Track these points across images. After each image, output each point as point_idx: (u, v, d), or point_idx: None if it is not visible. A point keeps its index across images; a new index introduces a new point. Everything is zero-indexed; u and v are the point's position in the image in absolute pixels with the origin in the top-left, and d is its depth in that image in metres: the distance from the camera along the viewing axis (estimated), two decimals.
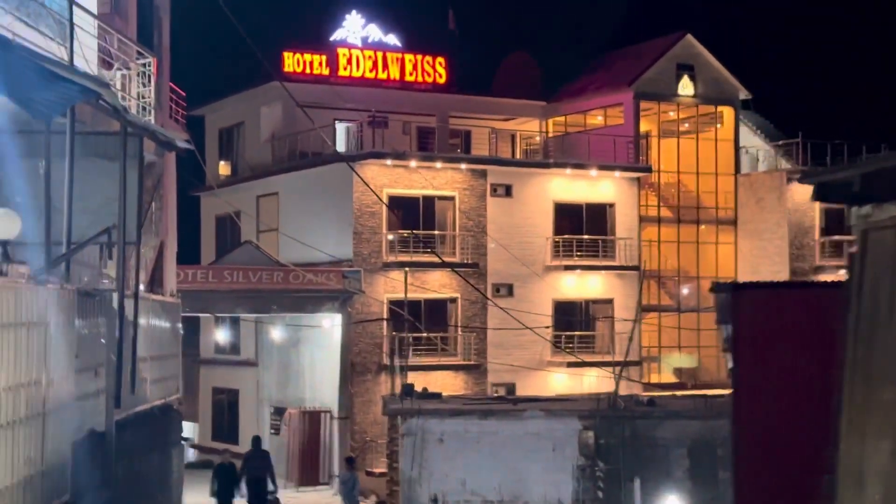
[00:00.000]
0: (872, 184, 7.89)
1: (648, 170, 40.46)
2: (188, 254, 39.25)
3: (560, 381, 36.69)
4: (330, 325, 34.60)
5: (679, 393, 33.04)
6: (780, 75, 52.47)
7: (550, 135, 44.64)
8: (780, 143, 43.81)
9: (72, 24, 12.57)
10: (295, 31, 42.32)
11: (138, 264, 12.64)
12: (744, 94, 42.65)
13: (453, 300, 36.60)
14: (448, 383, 34.76)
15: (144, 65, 16.16)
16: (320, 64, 40.79)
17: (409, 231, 35.70)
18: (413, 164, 36.36)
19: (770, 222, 41.26)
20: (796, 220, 41.03)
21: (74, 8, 13.44)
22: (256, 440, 25.81)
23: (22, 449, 8.34)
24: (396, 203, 35.72)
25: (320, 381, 34.92)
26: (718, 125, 42.55)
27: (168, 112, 20.62)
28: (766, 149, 44.28)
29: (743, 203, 42.00)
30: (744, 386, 11.09)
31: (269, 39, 41.45)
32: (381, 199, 34.29)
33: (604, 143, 40.61)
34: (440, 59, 42.53)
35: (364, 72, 41.31)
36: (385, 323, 35.00)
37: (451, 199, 36.91)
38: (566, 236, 38.38)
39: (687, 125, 42.66)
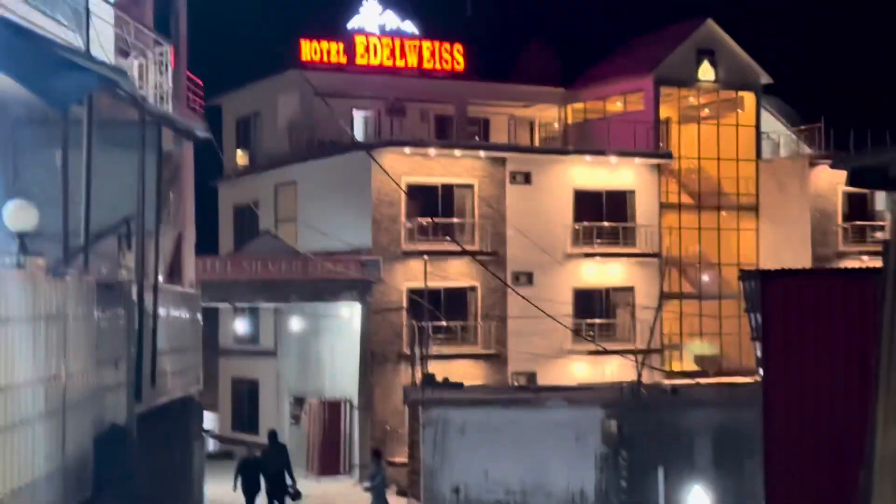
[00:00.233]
0: None
1: (669, 156, 40.15)
2: (207, 244, 39.20)
3: (581, 370, 36.49)
4: (349, 315, 34.48)
5: (701, 381, 32.81)
6: (802, 60, 52.02)
7: (570, 121, 44.34)
8: (802, 128, 43.41)
9: (88, 12, 12.40)
10: (312, 20, 42.19)
11: (157, 255, 12.48)
12: (765, 79, 42.26)
13: (473, 289, 36.41)
14: (468, 372, 34.58)
15: (161, 53, 15.98)
16: (337, 52, 40.59)
17: (429, 219, 35.52)
18: (432, 152, 36.15)
19: (792, 208, 40.91)
20: (819, 206, 40.68)
21: None
22: (273, 435, 25.68)
23: (42, 445, 8.20)
24: (415, 191, 35.54)
25: (340, 371, 34.81)
26: (739, 110, 42.17)
27: (186, 101, 20.45)
28: (787, 134, 43.90)
29: (765, 189, 41.64)
30: (774, 375, 10.86)
31: (286, 28, 41.40)
32: (399, 187, 34.11)
33: (624, 129, 40.29)
34: (458, 47, 42.26)
35: (381, 59, 41.08)
36: (404, 312, 34.85)
37: (470, 186, 36.69)
38: (586, 223, 38.12)
39: (708, 111, 42.31)
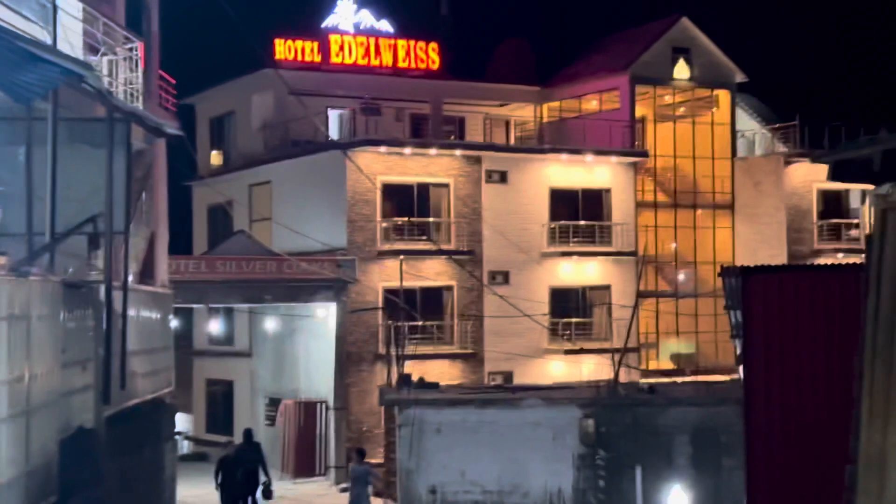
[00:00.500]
0: (894, 162, 7.53)
1: (644, 154, 40.10)
2: (180, 244, 38.90)
3: (558, 369, 36.37)
4: (324, 315, 34.24)
5: (678, 379, 32.76)
6: (777, 57, 52.12)
7: (546, 120, 44.24)
8: (777, 126, 43.46)
9: (55, 7, 12.15)
10: (287, 18, 41.93)
11: (127, 254, 12.24)
12: (740, 77, 42.28)
13: (449, 288, 36.24)
14: (445, 372, 34.42)
15: (132, 50, 15.73)
16: (312, 51, 40.33)
17: (405, 219, 35.33)
18: (407, 151, 35.95)
19: (767, 206, 40.95)
20: (794, 204, 40.74)
21: None
22: (248, 432, 25.46)
23: (4, 449, 7.96)
24: (391, 190, 35.35)
25: (315, 372, 34.57)
26: (715, 109, 42.17)
27: (158, 99, 20.20)
28: (762, 132, 43.95)
29: (740, 187, 41.66)
30: (755, 372, 10.73)
31: (260, 26, 41.10)
32: (374, 186, 33.90)
33: (599, 128, 40.22)
34: (433, 45, 42.09)
35: (356, 58, 40.85)
36: (380, 312, 34.64)
37: (446, 186, 36.52)
38: (562, 222, 38.02)
39: (683, 109, 42.30)
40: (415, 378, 27.65)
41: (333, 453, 33.35)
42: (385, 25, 41.63)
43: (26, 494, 8.54)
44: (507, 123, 45.17)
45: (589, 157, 38.66)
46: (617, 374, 25.31)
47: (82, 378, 10.59)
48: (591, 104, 42.73)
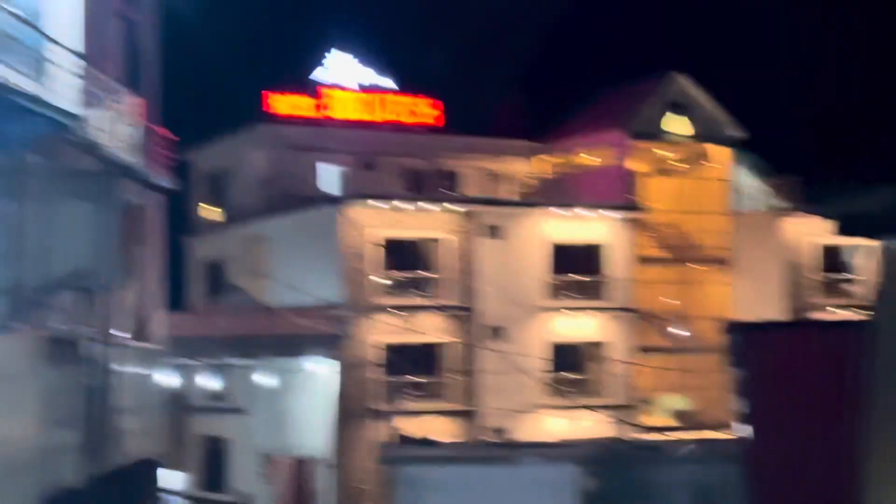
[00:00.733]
0: None
1: (641, 209, 39.96)
2: (177, 300, 38.62)
3: (556, 425, 35.97)
4: (319, 371, 33.91)
5: (678, 435, 32.36)
6: (774, 113, 52.27)
7: (542, 175, 44.17)
8: (775, 181, 43.41)
9: (44, 57, 12.03)
10: (283, 73, 42.01)
11: (115, 310, 12.02)
12: (738, 133, 42.29)
13: (445, 344, 35.93)
14: (441, 428, 33.99)
15: (128, 105, 15.63)
16: (308, 106, 40.36)
17: (400, 274, 35.15)
18: (403, 205, 35.82)
19: (765, 261, 40.79)
20: (791, 259, 40.57)
21: (54, 46, 12.94)
22: (245, 498, 25.12)
23: None
24: (387, 245, 35.17)
25: (310, 428, 34.16)
26: (712, 164, 42.12)
27: (155, 155, 20.09)
28: (759, 187, 43.89)
29: (737, 242, 41.51)
30: (759, 429, 10.47)
31: (257, 82, 41.16)
32: (366, 241, 33.75)
33: (597, 182, 40.14)
34: (429, 101, 42.14)
35: (354, 114, 40.88)
36: (375, 367, 34.30)
37: (442, 240, 36.35)
38: (559, 277, 37.82)
39: (681, 164, 42.22)
40: (414, 435, 27.32)
41: None
42: (382, 80, 41.70)
43: None
44: (504, 178, 45.09)
45: (585, 212, 38.53)
46: (617, 432, 25.00)
47: (67, 436, 10.31)
48: (588, 159, 42.67)
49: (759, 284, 40.76)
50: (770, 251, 40.67)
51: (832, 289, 41.06)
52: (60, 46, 13.45)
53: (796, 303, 40.04)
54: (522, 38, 53.97)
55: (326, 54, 41.33)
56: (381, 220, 35.32)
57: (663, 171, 41.67)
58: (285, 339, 32.68)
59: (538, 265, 37.54)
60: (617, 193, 39.81)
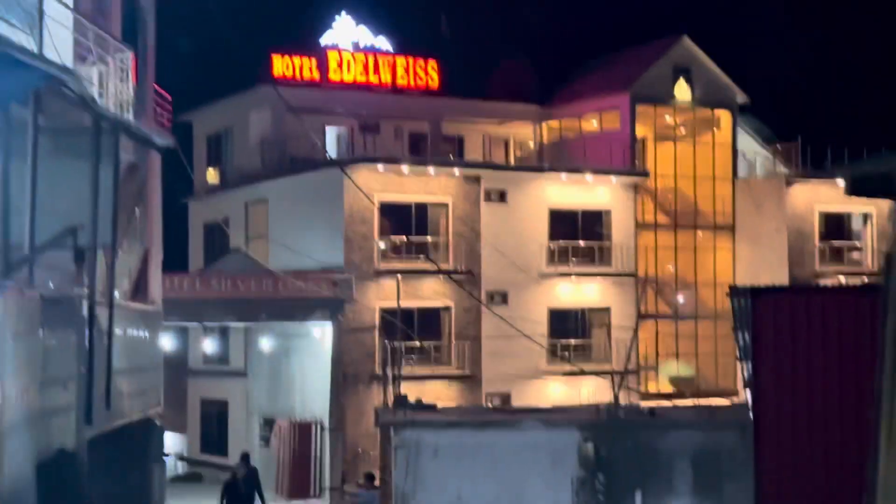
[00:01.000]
0: None
1: (644, 174, 39.73)
2: (176, 262, 38.45)
3: (557, 391, 35.92)
4: (320, 335, 33.80)
5: (678, 402, 32.26)
6: (778, 78, 51.86)
7: (546, 139, 43.88)
8: (779, 147, 43.11)
9: (41, 12, 11.77)
10: (285, 35, 41.61)
11: (112, 268, 11.82)
12: (741, 98, 41.95)
13: (447, 308, 35.80)
14: (442, 393, 33.91)
15: (123, 61, 15.35)
16: (310, 68, 39.99)
17: (402, 238, 34.94)
18: (405, 169, 35.58)
19: (769, 228, 40.55)
20: (795, 226, 40.34)
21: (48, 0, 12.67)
22: (245, 457, 25.00)
23: None
24: (389, 209, 34.96)
25: (310, 392, 34.10)
26: (715, 129, 41.83)
27: (152, 114, 19.83)
28: (763, 153, 43.60)
29: (741, 209, 41.27)
30: (765, 396, 10.30)
31: (258, 43, 40.77)
32: (372, 204, 33.52)
33: (600, 147, 39.86)
34: (432, 63, 41.75)
35: (355, 76, 40.53)
36: (377, 332, 34.19)
37: (445, 205, 36.13)
38: (561, 243, 37.64)
39: (684, 129, 41.95)
40: (412, 399, 27.23)
41: (328, 475, 32.84)
42: (384, 43, 41.30)
43: None
44: (507, 142, 44.82)
45: (588, 177, 38.29)
46: (617, 397, 24.86)
47: (64, 397, 10.14)
48: (592, 123, 42.38)
49: (762, 251, 40.57)
50: (773, 218, 40.43)
51: (836, 256, 40.85)
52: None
53: (799, 270, 39.84)
54: (527, 1, 53.48)
55: (336, 17, 40.90)
56: (382, 184, 35.07)
57: (667, 136, 41.39)
58: (286, 302, 32.51)
59: (540, 230, 37.34)
60: (620, 158, 39.54)
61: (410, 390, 29.72)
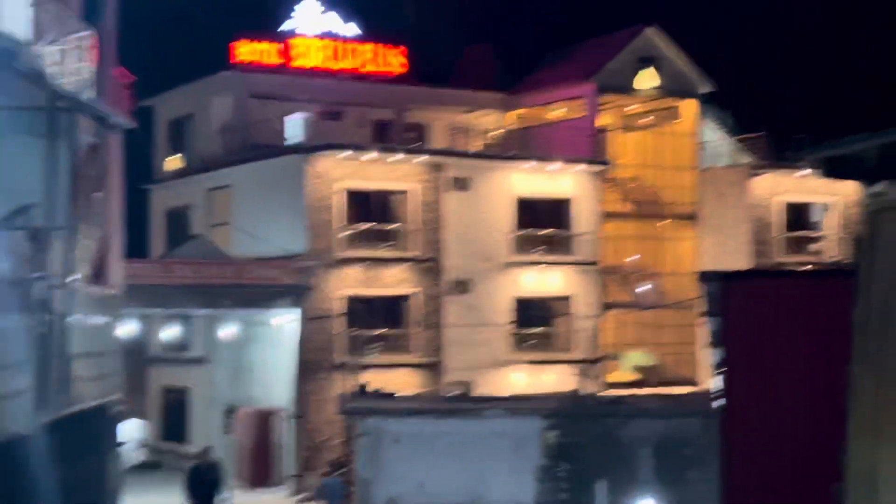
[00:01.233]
0: (891, 159, 7.03)
1: (606, 164, 39.68)
2: (138, 249, 38.02)
3: (520, 380, 35.86)
4: (283, 322, 33.54)
5: (641, 391, 32.33)
6: (742, 68, 52.03)
7: (510, 128, 43.75)
8: (742, 137, 43.25)
9: None
10: (248, 20, 41.21)
11: (70, 251, 11.55)
12: (706, 88, 42.02)
13: (410, 296, 35.62)
14: (405, 381, 33.76)
15: (82, 39, 15.03)
16: (274, 53, 39.60)
17: (365, 225, 34.73)
18: (369, 156, 35.32)
19: (731, 218, 40.69)
20: (758, 216, 40.50)
21: None
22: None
23: None
24: (352, 197, 34.71)
25: (272, 380, 33.85)
26: (680, 119, 41.87)
27: (112, 94, 19.49)
28: (727, 143, 43.71)
29: (704, 198, 41.38)
30: (735, 382, 10.21)
31: (222, 28, 40.34)
32: (333, 192, 33.28)
33: (564, 136, 39.78)
34: (397, 50, 41.49)
35: (320, 62, 40.18)
36: (339, 319, 33.97)
37: (408, 192, 35.92)
38: (525, 231, 37.55)
39: (648, 119, 41.95)
40: (373, 388, 27.12)
41: (292, 463, 32.63)
42: (348, 29, 40.96)
43: None
44: (472, 131, 44.62)
45: (552, 166, 38.21)
46: (580, 386, 24.87)
47: (16, 382, 9.90)
48: (557, 112, 42.28)
49: (725, 241, 40.70)
50: (737, 208, 40.57)
51: (798, 246, 41.07)
52: None
53: (762, 260, 40.01)
54: None
55: (301, 1, 40.54)
56: (346, 171, 34.82)
57: (631, 125, 41.38)
58: (249, 289, 32.24)
59: (504, 218, 37.23)
60: (584, 147, 39.48)
61: (373, 378, 29.64)
